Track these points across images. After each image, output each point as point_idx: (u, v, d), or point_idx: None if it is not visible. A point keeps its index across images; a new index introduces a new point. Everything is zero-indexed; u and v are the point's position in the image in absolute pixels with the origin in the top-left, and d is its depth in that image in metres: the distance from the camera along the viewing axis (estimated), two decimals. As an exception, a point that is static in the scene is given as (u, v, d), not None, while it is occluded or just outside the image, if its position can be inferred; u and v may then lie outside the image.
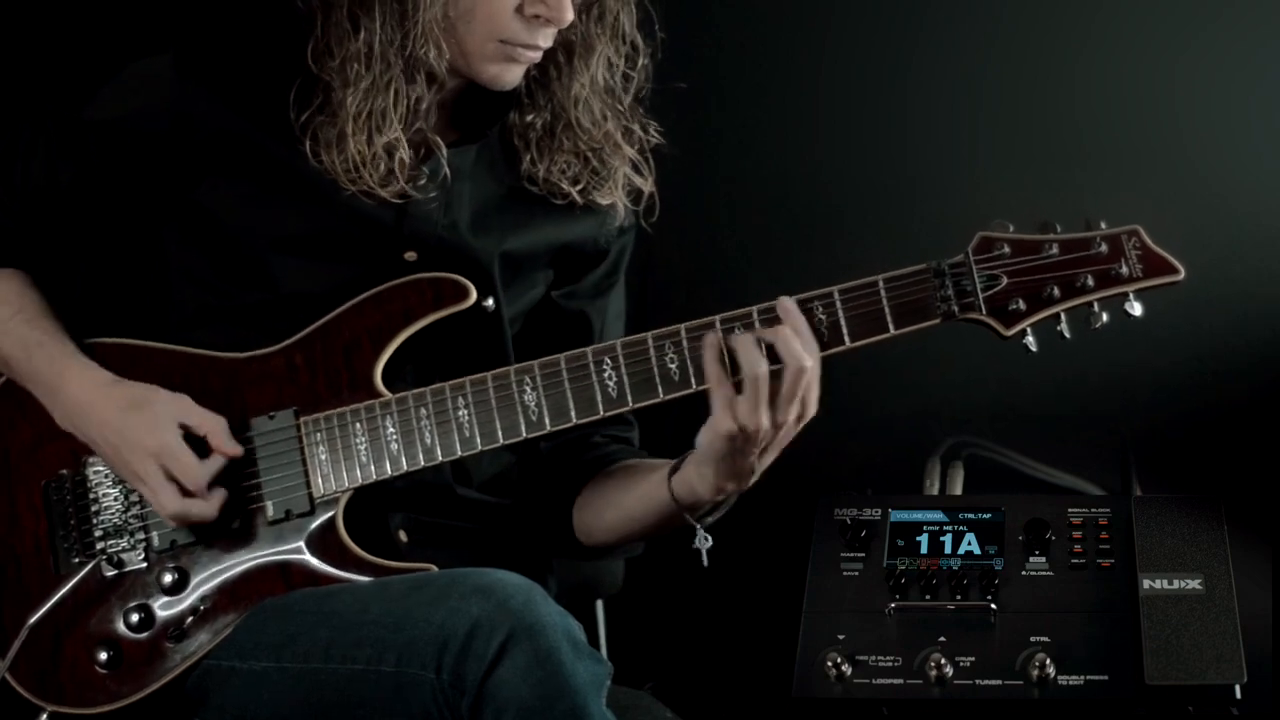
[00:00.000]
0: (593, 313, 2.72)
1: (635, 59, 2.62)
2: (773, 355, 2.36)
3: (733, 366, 2.36)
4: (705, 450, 2.41)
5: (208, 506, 2.50)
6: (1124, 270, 2.38)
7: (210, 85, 2.52)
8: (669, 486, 2.50)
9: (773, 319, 2.39)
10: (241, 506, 2.52)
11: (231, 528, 2.52)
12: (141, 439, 2.49)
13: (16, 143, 2.64)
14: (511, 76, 2.52)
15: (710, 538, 2.50)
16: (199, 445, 2.50)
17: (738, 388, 2.36)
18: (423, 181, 2.53)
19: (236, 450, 2.50)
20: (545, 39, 2.49)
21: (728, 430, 2.36)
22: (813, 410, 2.38)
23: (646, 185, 2.66)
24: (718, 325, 2.40)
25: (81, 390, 2.54)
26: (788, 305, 2.38)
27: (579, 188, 2.61)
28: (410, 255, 2.56)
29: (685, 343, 2.43)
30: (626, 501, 2.59)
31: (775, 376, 2.35)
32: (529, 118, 2.60)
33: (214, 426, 2.50)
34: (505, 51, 2.48)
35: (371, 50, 2.46)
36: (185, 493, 2.49)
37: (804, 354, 2.35)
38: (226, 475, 2.51)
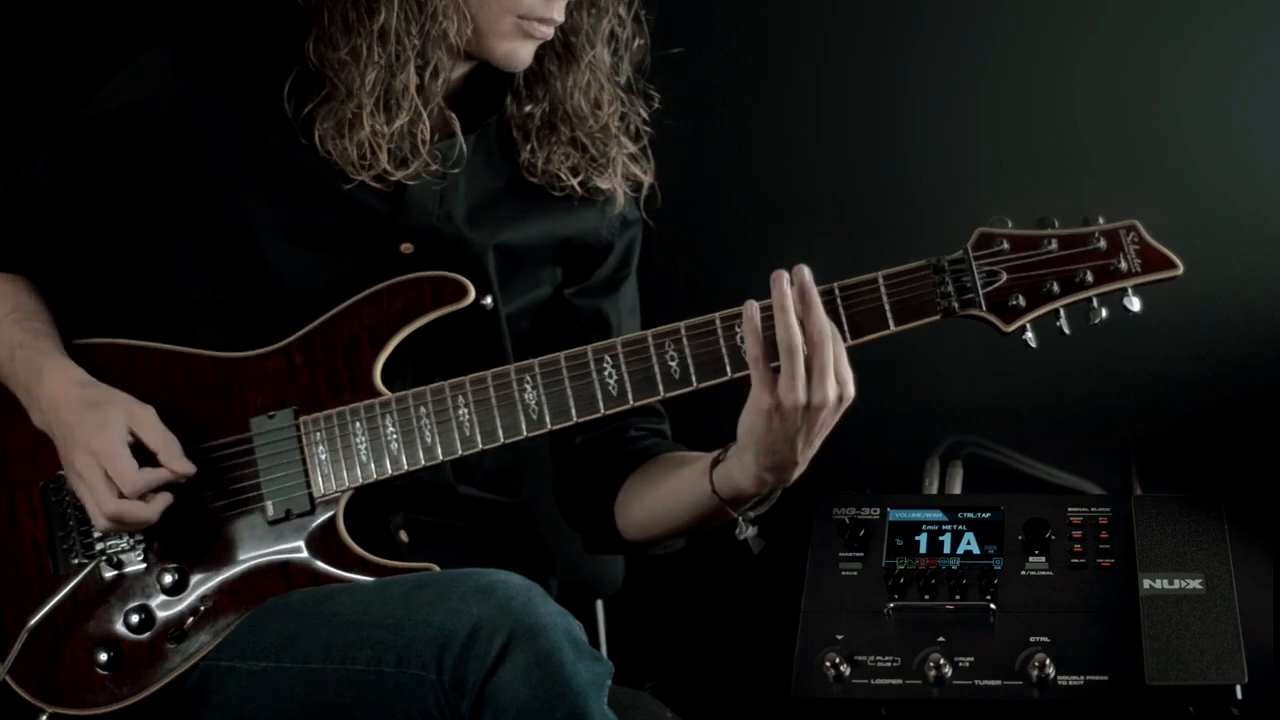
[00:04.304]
0: (608, 309, 2.72)
1: (632, 45, 2.62)
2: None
3: (769, 346, 2.36)
4: (745, 434, 2.40)
5: (146, 510, 2.47)
6: (1123, 265, 2.38)
7: (209, 77, 2.53)
8: (710, 479, 2.49)
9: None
10: (241, 506, 2.52)
11: (231, 528, 2.52)
12: (87, 438, 2.48)
13: (18, 141, 2.64)
14: (525, 54, 2.52)
15: (755, 527, 2.50)
16: (146, 457, 2.49)
17: (775, 369, 2.35)
18: (434, 167, 2.53)
19: (187, 469, 2.48)
20: (559, 12, 2.50)
21: (766, 406, 2.35)
22: (850, 391, 2.38)
23: (647, 176, 2.67)
24: (719, 319, 2.40)
25: (54, 388, 2.53)
26: (804, 278, 2.36)
27: (579, 178, 2.62)
28: (406, 247, 2.57)
29: (685, 341, 2.43)
30: (668, 496, 2.59)
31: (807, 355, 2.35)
32: (527, 108, 2.60)
33: (164, 446, 2.49)
34: (521, 27, 2.49)
35: (388, 31, 2.46)
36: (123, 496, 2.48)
37: (826, 323, 2.35)
38: (189, 485, 2.50)
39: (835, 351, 2.35)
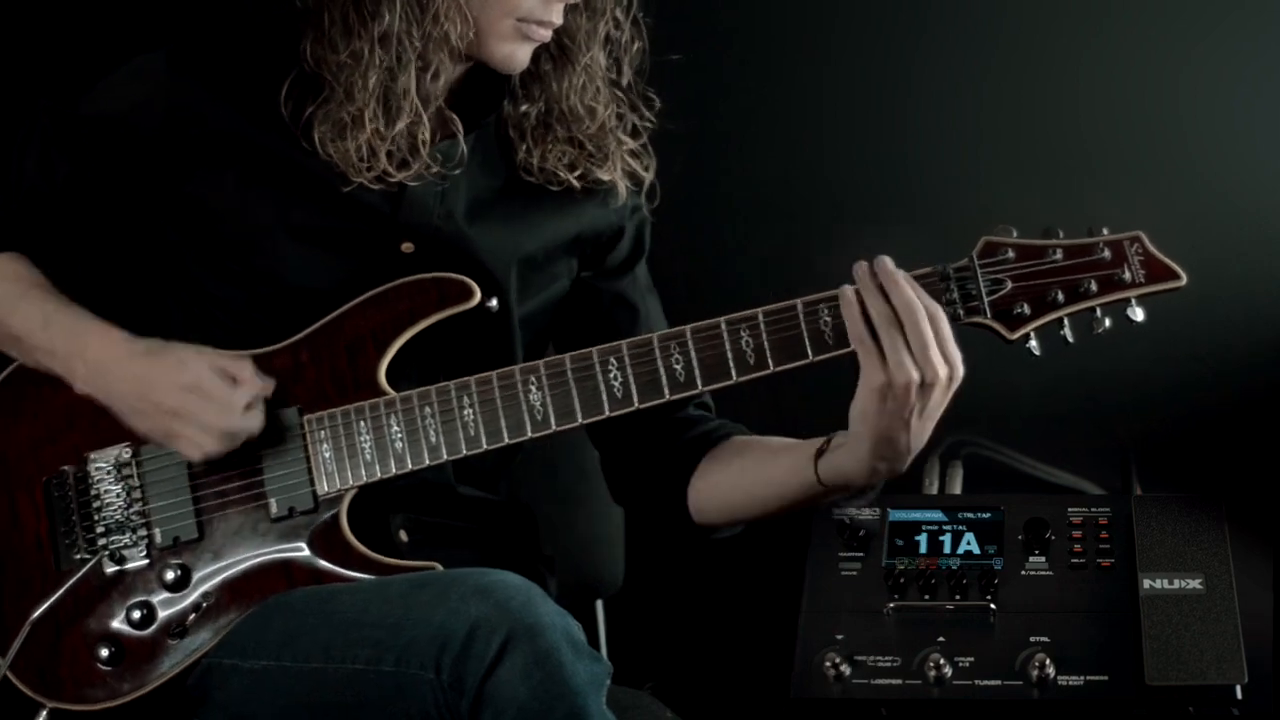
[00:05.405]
0: (629, 290, 2.71)
1: (631, 49, 2.62)
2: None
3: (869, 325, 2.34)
4: (858, 419, 2.36)
5: (251, 420, 2.47)
6: (1126, 276, 2.39)
7: (205, 79, 2.53)
8: (815, 470, 2.47)
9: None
10: (245, 503, 2.52)
11: (234, 526, 2.52)
12: (172, 377, 2.46)
13: (12, 141, 2.63)
14: (524, 56, 2.52)
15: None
16: None
17: (880, 349, 2.33)
18: (435, 168, 2.53)
19: (269, 385, 2.49)
20: (558, 15, 2.50)
21: (879, 384, 2.32)
22: (960, 370, 2.34)
23: (648, 173, 2.67)
24: (724, 323, 2.40)
25: (102, 348, 2.51)
26: (884, 264, 2.35)
27: (576, 173, 2.62)
28: (407, 246, 2.57)
29: (691, 344, 2.43)
30: (759, 484, 2.55)
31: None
32: (523, 108, 2.60)
33: (241, 367, 2.48)
34: (521, 30, 2.49)
35: (390, 34, 2.46)
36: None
37: (914, 299, 2.33)
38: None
39: (938, 329, 2.32)
